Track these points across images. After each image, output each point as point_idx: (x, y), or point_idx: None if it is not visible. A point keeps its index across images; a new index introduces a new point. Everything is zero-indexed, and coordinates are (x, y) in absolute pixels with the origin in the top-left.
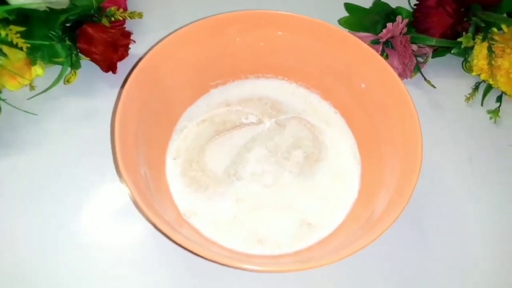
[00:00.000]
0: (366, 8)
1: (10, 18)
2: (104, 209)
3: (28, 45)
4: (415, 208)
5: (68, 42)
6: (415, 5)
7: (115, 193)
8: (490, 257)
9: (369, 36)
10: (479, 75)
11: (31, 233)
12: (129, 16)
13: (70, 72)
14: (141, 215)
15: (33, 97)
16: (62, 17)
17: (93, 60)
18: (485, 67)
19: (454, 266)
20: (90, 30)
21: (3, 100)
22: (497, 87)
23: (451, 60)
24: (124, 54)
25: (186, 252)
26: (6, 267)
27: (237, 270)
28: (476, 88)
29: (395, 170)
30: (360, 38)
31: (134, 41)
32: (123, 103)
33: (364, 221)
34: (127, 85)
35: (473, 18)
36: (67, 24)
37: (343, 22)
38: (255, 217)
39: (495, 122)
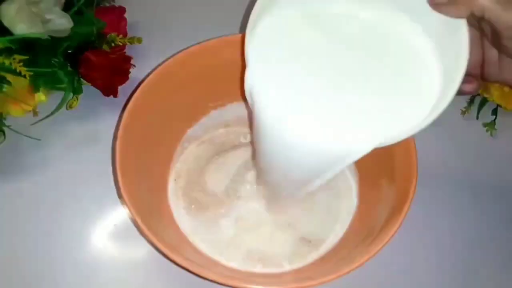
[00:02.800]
0: None
1: (14, 47)
2: (107, 232)
3: (31, 73)
4: (413, 222)
5: (70, 69)
6: None
7: (117, 215)
8: (490, 270)
9: None
10: None
11: (34, 257)
12: (129, 42)
13: (73, 97)
14: (143, 238)
15: (36, 122)
16: (64, 45)
17: (95, 85)
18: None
19: (454, 276)
20: (91, 56)
21: (8, 126)
22: (492, 100)
23: None
24: (124, 78)
25: (188, 273)
26: None
27: None
28: (471, 101)
29: (391, 183)
30: None
31: (134, 65)
32: (123, 127)
33: (364, 236)
34: (127, 110)
35: None
36: (69, 51)
37: None
38: (255, 236)
39: (491, 135)
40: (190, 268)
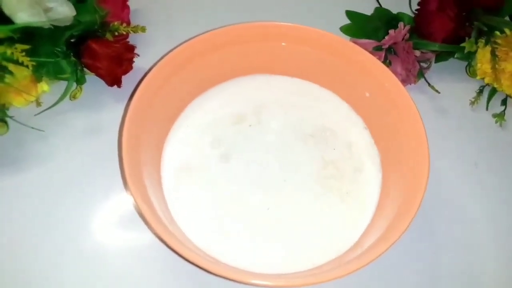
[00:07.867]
0: (368, 15)
1: (15, 37)
2: (112, 222)
3: (34, 63)
4: (421, 213)
5: (73, 58)
6: (416, 10)
7: (122, 206)
8: (501, 263)
9: (372, 42)
10: (483, 79)
11: (40, 248)
12: (133, 31)
13: (76, 88)
14: (147, 227)
15: (39, 113)
16: (67, 34)
17: (98, 74)
18: (489, 70)
19: (464, 273)
20: (94, 45)
21: (11, 117)
22: (502, 90)
23: (454, 64)
24: (128, 67)
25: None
26: (15, 281)
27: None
28: (480, 92)
29: (401, 180)
30: (363, 45)
31: (138, 55)
32: (130, 118)
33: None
34: (134, 100)
35: (475, 23)
36: (72, 40)
37: (345, 30)
38: (263, 238)
39: (500, 125)
40: (200, 263)
